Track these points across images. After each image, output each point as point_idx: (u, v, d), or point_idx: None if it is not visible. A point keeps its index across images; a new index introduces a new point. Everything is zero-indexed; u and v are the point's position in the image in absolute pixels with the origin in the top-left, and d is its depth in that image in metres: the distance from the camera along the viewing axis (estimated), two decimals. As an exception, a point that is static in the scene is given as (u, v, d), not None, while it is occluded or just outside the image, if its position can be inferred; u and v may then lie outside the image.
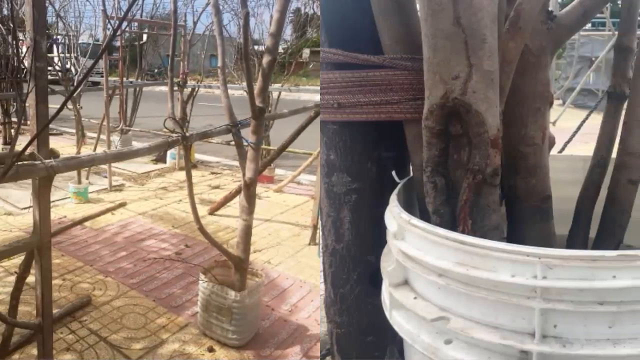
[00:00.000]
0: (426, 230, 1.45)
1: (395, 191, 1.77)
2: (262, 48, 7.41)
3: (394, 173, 1.91)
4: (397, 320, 1.56)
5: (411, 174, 1.95)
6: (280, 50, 8.58)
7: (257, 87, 2.94)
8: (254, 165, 3.03)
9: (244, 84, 3.63)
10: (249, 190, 3.04)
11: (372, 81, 1.86)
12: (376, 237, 1.93)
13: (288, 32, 9.92)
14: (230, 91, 3.30)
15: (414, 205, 1.88)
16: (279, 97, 8.20)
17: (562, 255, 1.22)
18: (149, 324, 3.40)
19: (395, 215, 1.60)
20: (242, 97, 4.30)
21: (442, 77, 1.55)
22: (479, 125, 1.53)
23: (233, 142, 3.18)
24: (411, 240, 1.51)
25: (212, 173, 7.97)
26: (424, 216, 1.70)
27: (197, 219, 2.98)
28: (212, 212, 5.79)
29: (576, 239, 1.97)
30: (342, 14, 1.96)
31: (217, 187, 7.07)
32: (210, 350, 3.14)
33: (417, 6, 1.72)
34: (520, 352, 1.28)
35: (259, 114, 2.94)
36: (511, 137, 1.84)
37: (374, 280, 1.94)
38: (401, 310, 1.56)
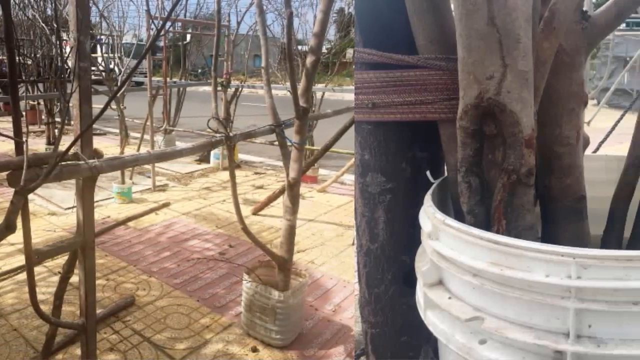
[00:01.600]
0: (461, 230, 1.45)
1: (430, 191, 1.77)
2: (305, 48, 7.46)
3: (428, 173, 1.91)
4: (432, 320, 1.57)
5: (445, 174, 1.95)
6: (324, 50, 8.60)
7: (300, 87, 2.94)
8: (297, 165, 3.03)
9: (288, 84, 3.64)
10: (292, 191, 3.05)
11: (407, 81, 1.86)
12: (410, 237, 1.94)
13: (332, 32, 9.96)
14: (273, 91, 3.29)
15: (448, 205, 1.88)
16: (322, 97, 8.17)
17: (596, 255, 1.22)
18: (192, 324, 3.42)
19: (429, 215, 1.61)
20: (285, 97, 4.30)
21: (477, 77, 1.55)
22: (514, 125, 1.53)
23: (277, 142, 3.19)
24: (445, 240, 1.52)
25: (256, 173, 7.99)
26: (459, 216, 1.70)
27: (240, 219, 3.00)
28: (255, 212, 5.81)
29: (611, 239, 1.94)
30: (377, 14, 1.96)
31: (260, 187, 7.09)
32: (254, 350, 3.13)
33: (452, 6, 1.72)
34: (554, 352, 1.28)
35: (302, 114, 2.94)
36: (546, 137, 1.83)
37: (408, 280, 1.95)
38: (435, 310, 1.57)
